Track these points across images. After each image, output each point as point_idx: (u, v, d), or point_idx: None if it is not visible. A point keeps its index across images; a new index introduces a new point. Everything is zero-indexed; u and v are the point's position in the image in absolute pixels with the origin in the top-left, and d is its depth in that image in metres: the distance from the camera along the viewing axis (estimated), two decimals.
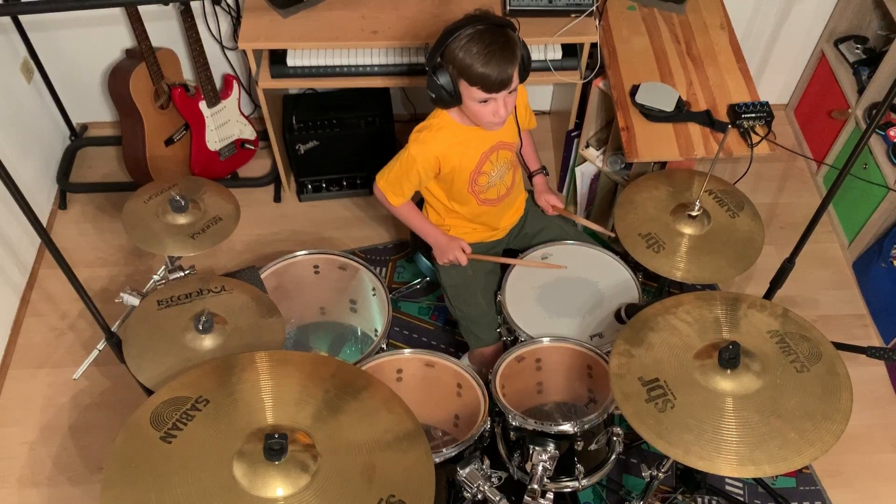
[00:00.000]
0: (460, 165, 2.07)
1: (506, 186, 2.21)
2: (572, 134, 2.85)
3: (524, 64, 1.92)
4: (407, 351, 2.04)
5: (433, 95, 1.93)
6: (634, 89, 2.42)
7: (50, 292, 2.83)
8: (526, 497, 1.73)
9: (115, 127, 3.26)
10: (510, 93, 1.91)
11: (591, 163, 2.77)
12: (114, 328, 1.94)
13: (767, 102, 2.35)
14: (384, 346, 2.09)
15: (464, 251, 2.20)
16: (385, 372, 2.04)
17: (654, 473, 1.91)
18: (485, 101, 1.90)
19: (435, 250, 2.24)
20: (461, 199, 2.16)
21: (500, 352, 2.25)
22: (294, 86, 2.91)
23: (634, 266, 2.20)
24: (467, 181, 2.11)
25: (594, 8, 2.51)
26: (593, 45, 2.55)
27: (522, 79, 1.96)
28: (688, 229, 2.05)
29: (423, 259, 2.42)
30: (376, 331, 2.39)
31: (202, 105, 2.84)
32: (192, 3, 2.66)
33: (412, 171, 2.05)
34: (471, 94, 1.89)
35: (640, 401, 1.55)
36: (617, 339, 1.69)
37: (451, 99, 1.92)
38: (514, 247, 2.39)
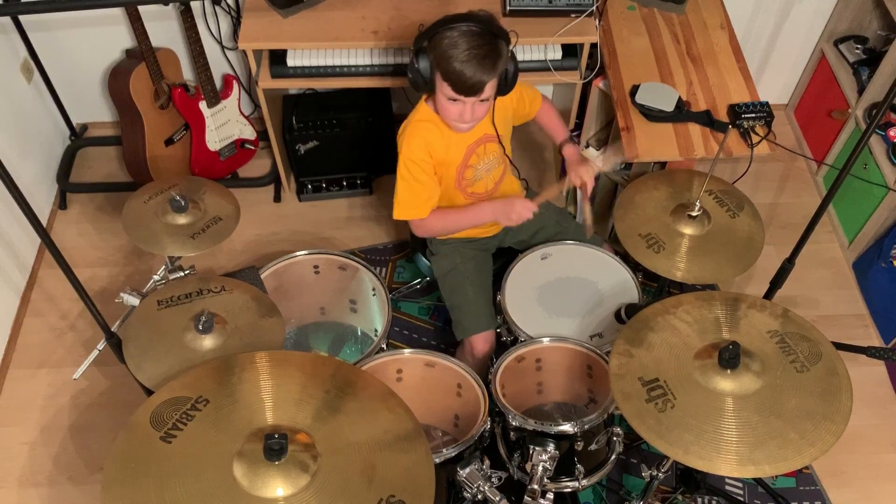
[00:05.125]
0: (446, 159, 2.06)
1: (493, 181, 2.20)
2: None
3: (506, 79, 1.92)
4: (407, 351, 2.04)
5: (409, 76, 1.93)
6: (634, 89, 2.41)
7: (50, 292, 2.83)
8: (526, 497, 1.73)
9: (115, 127, 3.26)
10: (481, 101, 1.90)
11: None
12: (114, 328, 1.94)
13: (767, 102, 2.35)
14: (384, 346, 2.09)
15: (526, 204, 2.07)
16: (385, 372, 2.04)
17: (654, 473, 1.91)
18: (454, 100, 1.90)
19: (501, 220, 2.10)
20: (448, 194, 2.15)
21: (490, 345, 2.23)
22: (294, 86, 2.91)
23: (634, 266, 2.20)
24: (454, 176, 2.11)
25: (594, 8, 2.51)
26: (593, 45, 2.54)
27: (502, 92, 1.95)
28: (688, 229, 2.05)
29: (423, 259, 2.41)
30: (376, 331, 2.39)
31: (202, 105, 2.84)
32: (192, 3, 2.66)
33: (417, 172, 2.02)
34: (442, 88, 1.89)
35: (640, 401, 1.55)
36: (617, 339, 1.69)
37: (425, 86, 1.93)
38: (514, 247, 2.39)
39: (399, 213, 2.09)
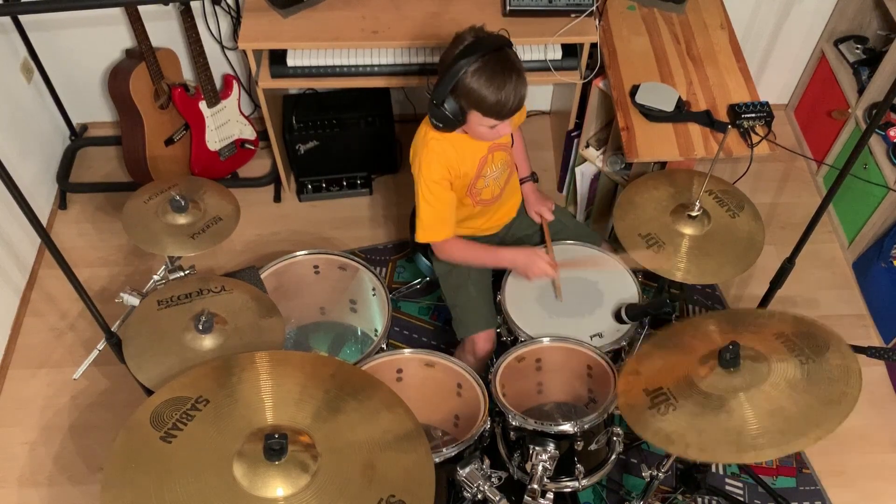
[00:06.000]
0: (461, 172, 2.07)
1: (500, 187, 2.22)
2: (572, 134, 2.85)
3: None
4: (407, 351, 2.04)
5: (439, 124, 1.92)
6: (634, 89, 2.41)
7: (50, 292, 2.83)
8: (526, 497, 1.74)
9: (115, 127, 3.26)
10: None
11: (591, 163, 2.77)
12: (114, 328, 1.94)
13: (767, 102, 2.35)
14: (384, 346, 2.09)
15: (548, 262, 2.10)
16: (385, 372, 2.04)
17: (654, 473, 1.91)
18: (493, 126, 1.92)
19: (518, 270, 2.13)
20: (459, 201, 2.16)
21: (491, 344, 2.23)
22: (294, 86, 2.91)
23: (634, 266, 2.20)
24: (467, 186, 2.12)
25: (594, 8, 2.51)
26: (593, 45, 2.55)
27: None
28: (688, 229, 2.05)
29: (423, 259, 2.42)
30: (376, 331, 2.39)
31: (202, 105, 2.85)
32: (192, 3, 2.66)
33: (439, 192, 2.02)
34: (482, 121, 1.90)
35: (644, 409, 1.55)
36: (628, 360, 1.69)
37: (458, 124, 1.93)
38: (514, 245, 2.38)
39: (423, 237, 2.09)
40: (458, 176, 2.07)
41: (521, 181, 2.37)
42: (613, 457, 1.96)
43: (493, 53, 1.82)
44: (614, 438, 1.94)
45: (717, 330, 1.69)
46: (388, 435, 1.49)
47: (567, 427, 1.82)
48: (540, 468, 1.77)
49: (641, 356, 1.70)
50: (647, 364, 1.67)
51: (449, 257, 2.19)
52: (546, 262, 2.09)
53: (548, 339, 2.04)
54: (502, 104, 1.84)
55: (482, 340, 2.22)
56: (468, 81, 1.81)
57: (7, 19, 2.75)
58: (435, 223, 2.07)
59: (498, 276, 2.30)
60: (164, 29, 2.86)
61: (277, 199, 3.10)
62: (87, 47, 2.94)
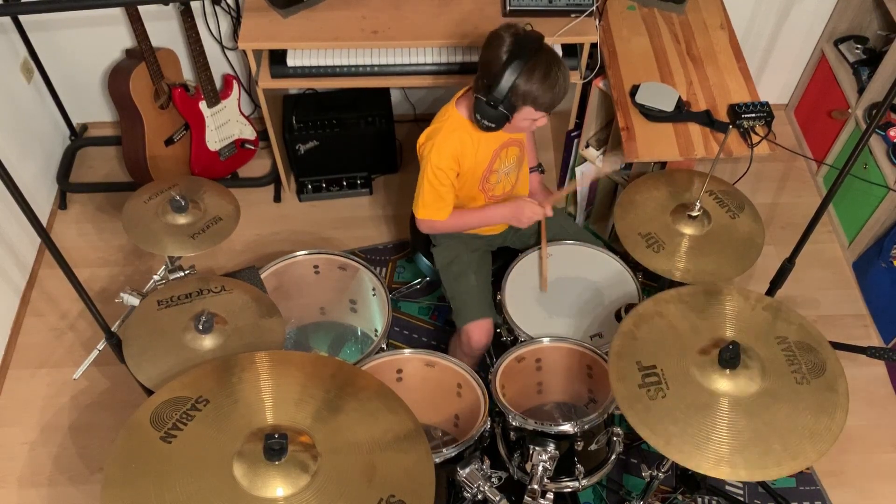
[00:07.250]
0: (474, 164, 2.08)
1: (511, 183, 2.23)
2: (572, 134, 2.85)
3: None
4: (407, 351, 2.04)
5: (492, 125, 1.94)
6: (634, 89, 2.41)
7: (50, 292, 2.83)
8: (526, 497, 1.74)
9: (115, 127, 3.26)
10: None
11: (591, 163, 2.77)
12: (114, 328, 1.94)
13: (767, 102, 2.35)
14: (384, 346, 2.09)
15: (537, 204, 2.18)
16: (385, 372, 2.04)
17: (654, 473, 1.91)
18: (537, 118, 1.97)
19: (513, 221, 2.20)
20: (470, 196, 2.17)
21: (487, 336, 2.23)
22: (294, 86, 2.91)
23: (634, 266, 2.20)
24: (479, 178, 2.12)
25: (594, 8, 2.51)
26: (593, 45, 2.54)
27: None
28: (688, 229, 2.06)
29: (423, 259, 2.42)
30: (376, 331, 2.39)
31: (202, 105, 2.84)
32: (192, 3, 2.66)
33: (443, 178, 2.05)
34: (531, 115, 1.95)
35: (634, 385, 1.55)
36: (626, 319, 1.68)
37: (508, 121, 1.96)
38: (514, 246, 2.39)
39: (424, 213, 2.12)
40: (469, 168, 2.08)
41: (529, 170, 2.37)
42: (613, 457, 1.96)
43: (540, 51, 1.88)
44: (614, 438, 1.94)
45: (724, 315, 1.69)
46: (388, 435, 1.49)
47: (567, 427, 1.82)
48: (540, 468, 1.77)
49: (642, 316, 1.69)
50: (645, 329, 1.65)
51: (438, 230, 2.23)
52: (535, 204, 2.16)
53: (548, 339, 2.04)
54: (555, 99, 1.92)
55: (478, 331, 2.21)
56: (523, 82, 1.87)
57: (7, 19, 2.75)
58: (437, 202, 2.10)
59: (498, 274, 2.31)
60: (164, 29, 2.86)
61: (277, 199, 3.10)
62: (87, 47, 2.94)
